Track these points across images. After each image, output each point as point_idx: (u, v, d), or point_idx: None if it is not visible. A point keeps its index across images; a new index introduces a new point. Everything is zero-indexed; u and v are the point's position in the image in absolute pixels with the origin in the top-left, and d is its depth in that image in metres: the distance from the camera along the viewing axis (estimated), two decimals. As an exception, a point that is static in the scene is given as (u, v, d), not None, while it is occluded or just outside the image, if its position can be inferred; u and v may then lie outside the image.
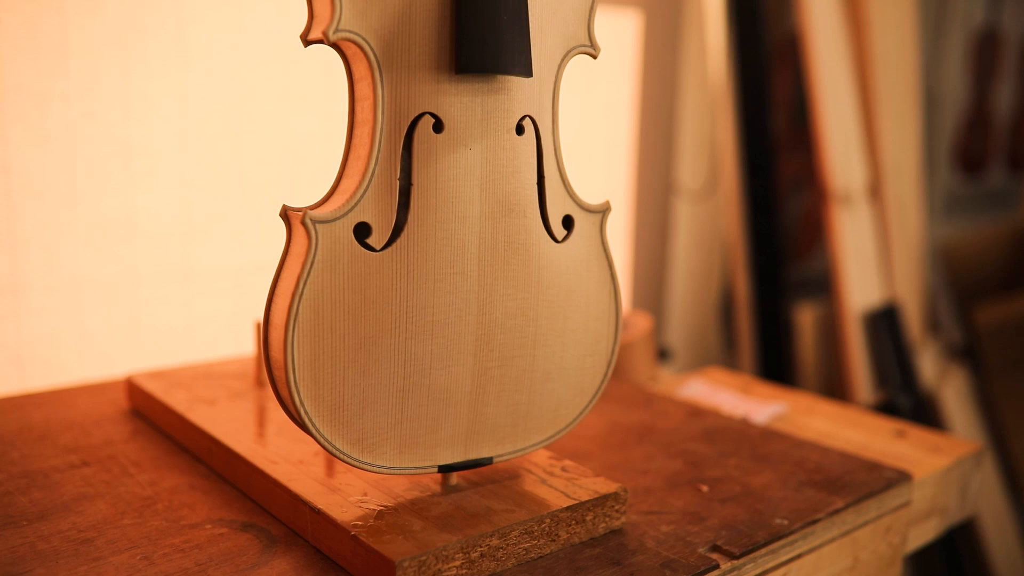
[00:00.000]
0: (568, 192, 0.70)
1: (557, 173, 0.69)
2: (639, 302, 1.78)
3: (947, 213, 2.55)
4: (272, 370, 0.63)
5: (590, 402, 0.74)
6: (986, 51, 2.59)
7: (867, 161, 1.80)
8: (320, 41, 0.61)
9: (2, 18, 1.02)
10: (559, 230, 0.69)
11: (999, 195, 2.79)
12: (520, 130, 0.66)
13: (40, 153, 1.06)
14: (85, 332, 1.12)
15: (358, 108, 0.64)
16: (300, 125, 1.23)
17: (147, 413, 0.89)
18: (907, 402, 1.67)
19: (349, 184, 0.63)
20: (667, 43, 1.70)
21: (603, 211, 0.72)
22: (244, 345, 1.22)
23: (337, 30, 0.60)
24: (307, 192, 1.23)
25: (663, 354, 1.52)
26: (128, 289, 1.15)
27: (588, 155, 1.57)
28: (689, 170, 1.79)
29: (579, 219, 0.71)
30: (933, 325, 2.26)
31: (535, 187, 0.67)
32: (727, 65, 1.66)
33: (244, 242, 1.21)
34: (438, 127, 0.63)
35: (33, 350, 1.09)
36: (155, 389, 0.89)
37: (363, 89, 0.63)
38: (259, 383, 0.93)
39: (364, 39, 0.61)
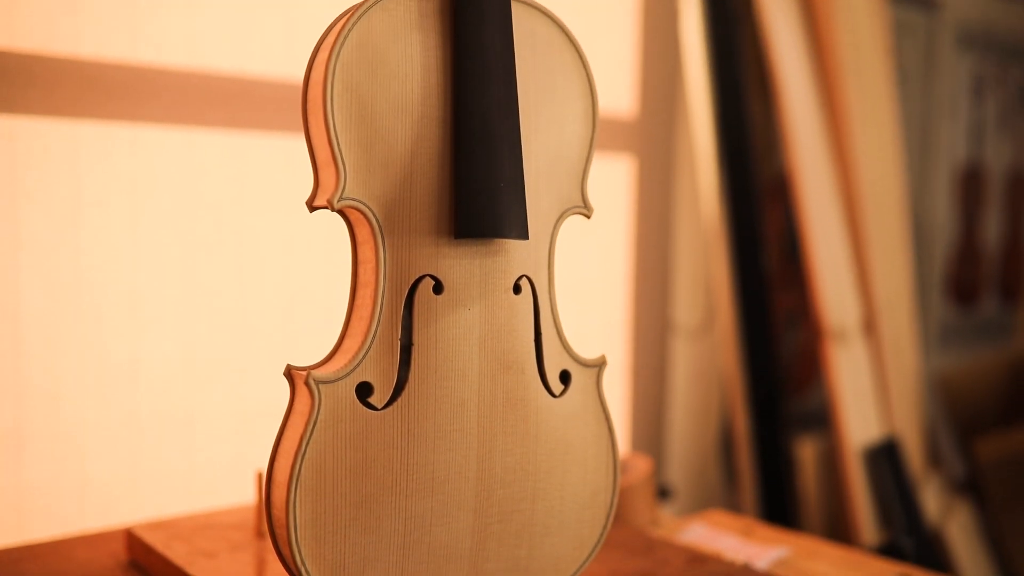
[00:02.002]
0: (565, 347, 0.72)
1: (554, 329, 0.71)
2: (638, 441, 1.78)
3: (943, 344, 2.57)
4: (274, 527, 0.64)
5: (590, 555, 0.74)
6: (971, 185, 2.66)
7: (860, 296, 1.83)
8: (325, 208, 0.64)
9: (19, 175, 1.06)
10: (556, 385, 0.71)
11: (993, 325, 2.82)
12: (517, 290, 0.68)
13: (49, 301, 1.09)
14: (86, 479, 1.13)
15: (361, 270, 0.66)
16: (303, 274, 1.26)
17: (147, 566, 0.89)
18: (912, 544, 1.66)
19: (352, 344, 0.65)
20: (660, 185, 1.75)
21: (599, 365, 0.74)
22: (245, 492, 1.22)
23: (341, 198, 0.63)
24: (310, 340, 1.25)
25: (663, 493, 1.51)
26: (130, 435, 1.15)
27: (585, 296, 1.60)
28: (685, 308, 1.82)
29: (576, 374, 0.72)
30: (934, 458, 2.25)
31: (533, 344, 0.69)
32: (719, 205, 1.71)
33: (246, 388, 1.23)
34: (438, 289, 0.65)
35: (34, 498, 1.09)
36: (155, 541, 0.89)
37: (366, 252, 0.66)
38: (259, 534, 0.93)
39: (367, 206, 0.64)
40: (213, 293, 1.19)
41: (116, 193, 1.12)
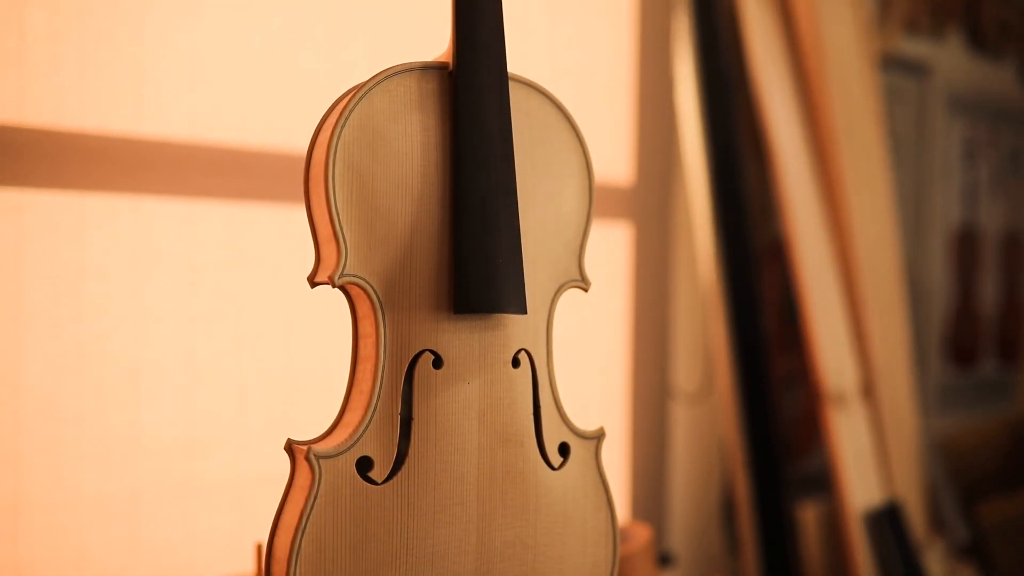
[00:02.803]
0: (563, 420, 0.72)
1: (552, 402, 0.72)
2: (639, 507, 1.77)
3: (942, 406, 2.57)
4: (273, 604, 0.64)
5: (590, 628, 0.74)
6: (966, 247, 2.68)
7: (858, 360, 1.84)
8: (326, 284, 0.65)
9: (25, 247, 1.08)
10: (555, 457, 0.71)
11: (993, 386, 2.81)
12: (516, 363, 0.69)
13: (50, 372, 1.09)
14: (84, 551, 1.12)
15: (361, 344, 0.67)
16: (303, 345, 1.27)
17: (144, 641, 0.88)
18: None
19: (352, 418, 0.66)
20: (658, 251, 1.76)
21: (598, 437, 0.74)
22: (244, 564, 1.22)
23: (343, 275, 0.64)
24: (310, 412, 1.25)
25: (664, 559, 1.50)
26: (129, 506, 1.15)
27: (583, 362, 1.61)
28: (685, 373, 1.82)
29: (575, 446, 0.73)
30: (937, 522, 2.23)
31: (532, 417, 0.70)
32: (717, 270, 1.72)
33: (246, 459, 1.23)
34: (438, 363, 0.66)
35: (32, 571, 1.08)
36: (153, 616, 0.88)
37: (366, 327, 0.67)
38: (258, 607, 0.92)
39: (368, 282, 0.65)
40: (213, 364, 1.20)
41: (119, 264, 1.14)
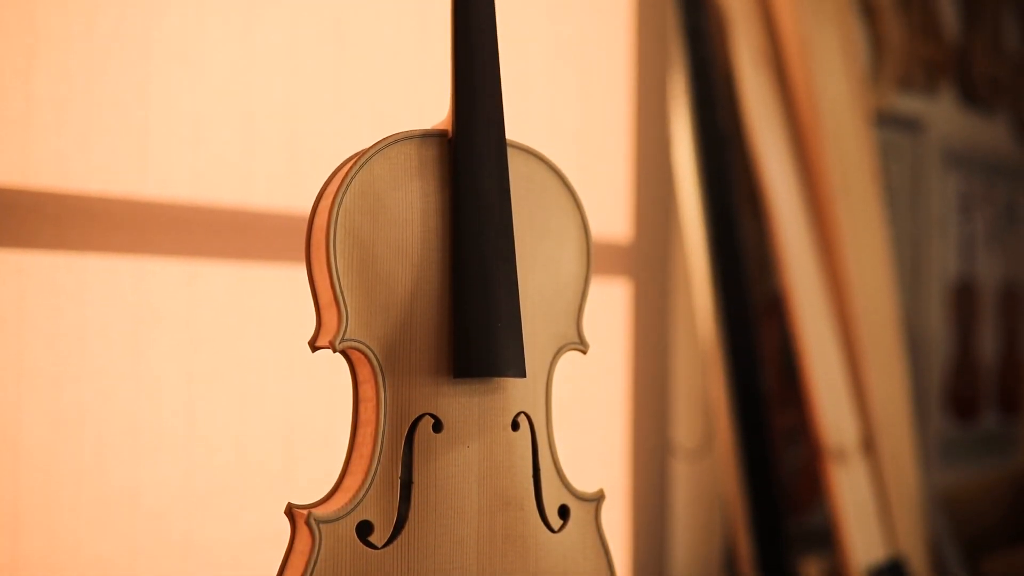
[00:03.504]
0: (563, 482, 0.72)
1: (552, 465, 0.72)
2: (640, 566, 1.76)
3: (944, 460, 2.56)
4: (272, 672, 0.63)
5: None
6: (964, 300, 2.69)
7: (858, 415, 1.83)
8: (327, 348, 0.66)
9: (26, 308, 1.08)
10: (555, 520, 0.71)
11: (995, 439, 2.81)
12: (515, 426, 0.70)
13: (50, 431, 1.09)
14: (81, 613, 1.11)
15: (362, 408, 0.67)
16: (304, 407, 1.27)
17: None
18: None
19: (352, 482, 0.66)
20: (656, 307, 1.77)
21: (598, 499, 0.74)
22: (241, 623, 1.20)
23: (343, 339, 0.65)
24: (309, 473, 1.25)
25: (667, 619, 1.48)
26: (128, 565, 1.14)
27: (583, 420, 1.61)
28: (685, 429, 1.82)
29: (575, 508, 0.73)
30: (942, 577, 2.21)
31: (531, 480, 0.70)
32: (715, 325, 1.73)
33: (245, 520, 1.22)
34: (437, 427, 0.67)
35: (27, 635, 1.08)
36: None
37: (367, 391, 0.67)
38: (256, 672, 0.92)
39: (368, 347, 0.65)
40: (213, 423, 1.20)
41: (119, 324, 1.14)
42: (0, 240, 1.07)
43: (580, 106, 1.62)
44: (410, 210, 0.66)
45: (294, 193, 1.27)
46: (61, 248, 1.11)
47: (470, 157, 0.67)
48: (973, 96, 2.57)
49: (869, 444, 1.85)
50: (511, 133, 0.78)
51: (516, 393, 0.69)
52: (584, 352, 0.75)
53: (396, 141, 0.68)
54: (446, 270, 0.67)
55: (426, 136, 0.69)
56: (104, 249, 1.14)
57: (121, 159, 1.15)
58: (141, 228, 1.16)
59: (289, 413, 1.25)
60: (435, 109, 0.90)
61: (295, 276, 1.26)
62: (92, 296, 1.13)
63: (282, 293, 1.25)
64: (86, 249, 1.12)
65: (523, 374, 0.68)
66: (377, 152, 0.67)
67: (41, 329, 1.09)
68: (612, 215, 1.70)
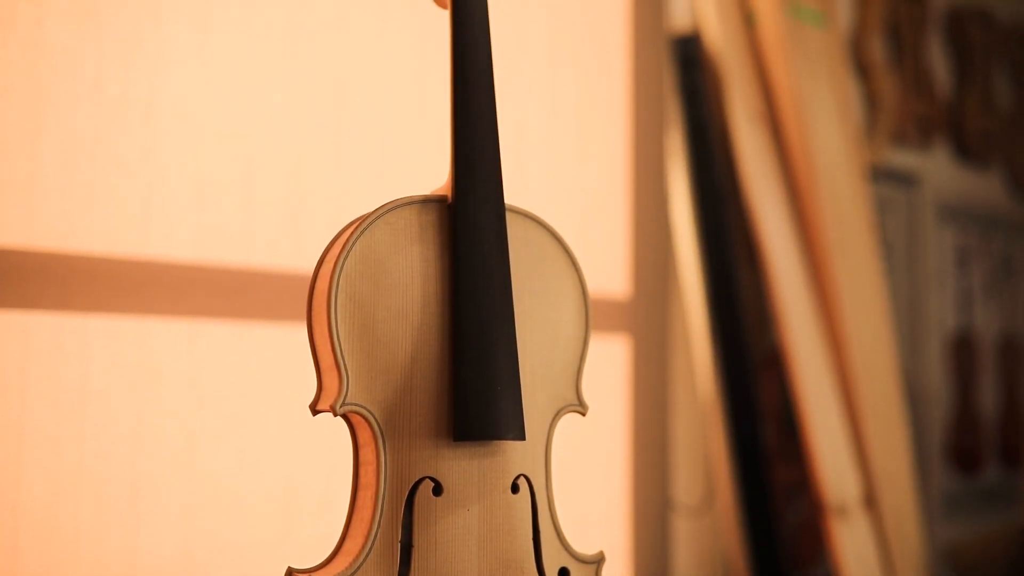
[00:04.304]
0: (563, 545, 0.72)
1: (552, 527, 0.72)
2: (642, 623, 1.74)
3: (947, 514, 2.54)
4: None
5: None
6: (963, 352, 2.69)
7: (859, 470, 1.83)
8: (328, 412, 0.66)
9: (28, 369, 1.09)
10: (555, 583, 0.71)
11: (997, 492, 2.79)
12: (515, 489, 0.70)
13: (50, 493, 1.09)
14: None
15: (362, 471, 0.68)
16: (304, 468, 1.27)
17: None
18: None
19: (352, 545, 0.66)
20: (656, 363, 1.77)
21: (598, 561, 0.74)
22: None
23: (344, 403, 0.65)
24: (309, 535, 1.24)
25: None
26: (124, 630, 1.13)
27: (583, 478, 1.60)
28: (685, 486, 1.81)
29: (575, 571, 0.73)
30: (948, 634, 2.19)
31: (531, 543, 0.70)
32: (715, 381, 1.73)
33: (245, 580, 1.21)
34: (438, 490, 0.67)
35: None
36: None
37: (367, 454, 0.67)
38: None
39: (369, 411, 0.66)
40: (213, 484, 1.20)
41: (120, 384, 1.15)
42: (4, 301, 1.08)
43: (578, 164, 1.64)
44: (410, 275, 0.67)
45: (295, 253, 1.28)
46: (64, 309, 1.12)
47: (469, 222, 0.69)
48: (967, 151, 2.61)
49: (871, 499, 1.85)
50: (510, 191, 0.79)
51: (516, 456, 0.70)
52: (583, 414, 0.75)
53: (397, 207, 0.69)
54: (446, 334, 0.68)
55: (426, 201, 0.70)
56: (107, 309, 1.14)
57: (125, 220, 1.16)
58: (144, 288, 1.17)
59: (289, 474, 1.25)
60: (434, 169, 0.92)
61: (296, 334, 1.27)
62: (94, 356, 1.13)
63: (283, 352, 1.26)
64: (89, 310, 1.13)
65: (523, 437, 0.68)
66: (378, 218, 0.68)
67: (43, 390, 1.10)
68: (611, 272, 1.71)
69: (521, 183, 1.48)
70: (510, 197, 0.78)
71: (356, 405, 0.65)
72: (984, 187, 2.73)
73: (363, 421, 0.66)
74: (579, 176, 1.64)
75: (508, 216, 0.72)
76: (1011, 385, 2.90)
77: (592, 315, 0.75)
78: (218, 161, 1.22)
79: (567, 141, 1.62)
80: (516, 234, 0.72)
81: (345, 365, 0.65)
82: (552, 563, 0.71)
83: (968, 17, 2.61)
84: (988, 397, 2.81)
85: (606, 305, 1.68)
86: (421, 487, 0.66)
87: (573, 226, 1.61)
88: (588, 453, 1.61)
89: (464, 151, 0.70)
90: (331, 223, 1.29)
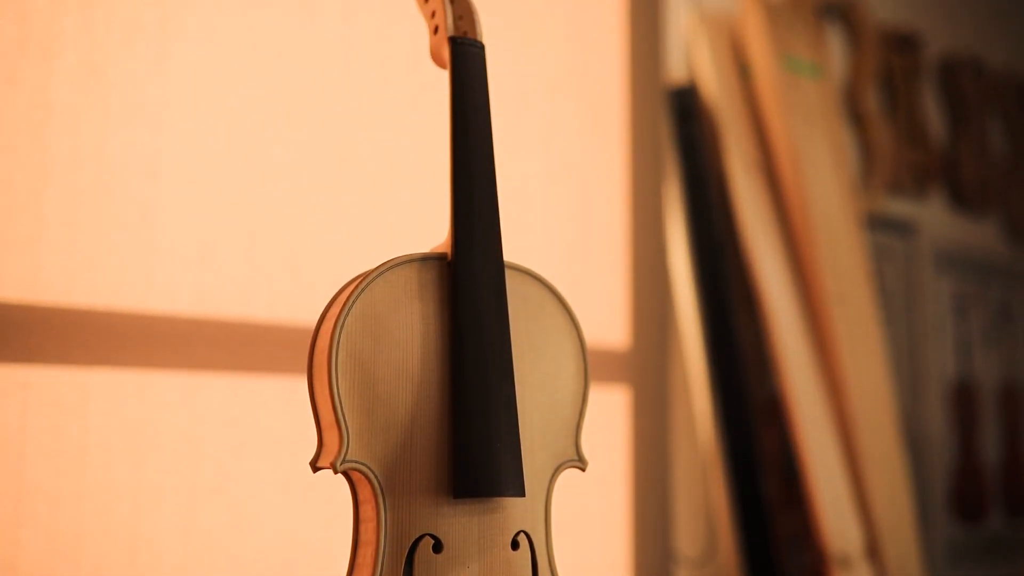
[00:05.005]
0: (564, 601, 0.72)
1: (552, 584, 0.72)
2: (645, 677, 1.72)
3: (952, 564, 2.52)
4: None
5: None
6: (964, 400, 2.69)
7: (861, 520, 1.82)
8: (328, 469, 0.67)
9: (28, 423, 1.09)
10: (556, 641, 0.71)
11: (1002, 541, 2.77)
12: (515, 545, 0.70)
13: (48, 550, 1.09)
14: None
15: (362, 529, 0.68)
16: (304, 524, 1.26)
17: None
18: None
19: (352, 604, 0.66)
20: (655, 414, 1.77)
21: (599, 618, 0.74)
22: None
23: (344, 460, 0.65)
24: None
25: None
26: None
27: (583, 531, 1.59)
28: (687, 538, 1.80)
29: (575, 628, 0.72)
30: None
31: (531, 601, 0.70)
32: (715, 431, 1.73)
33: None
34: (438, 547, 0.67)
35: None
36: None
37: (367, 511, 0.67)
38: None
39: (369, 468, 0.66)
40: (212, 539, 1.19)
41: (120, 438, 1.15)
42: (5, 355, 1.09)
43: (577, 215, 1.65)
44: (410, 332, 0.68)
45: (295, 307, 1.28)
46: (65, 363, 1.12)
47: (469, 280, 0.69)
48: (963, 199, 2.63)
49: (873, 549, 1.84)
50: (509, 242, 0.80)
51: (516, 512, 0.70)
52: (583, 470, 0.76)
53: (397, 265, 0.70)
54: (446, 391, 0.68)
55: (426, 259, 0.71)
56: (108, 363, 1.15)
57: (127, 275, 1.17)
58: (145, 342, 1.17)
59: (288, 530, 1.25)
60: (434, 224, 0.93)
61: (296, 388, 1.27)
62: (94, 410, 1.13)
63: (283, 406, 1.26)
64: (90, 364, 1.14)
65: (522, 493, 0.69)
66: (379, 275, 0.69)
67: (42, 445, 1.10)
68: (610, 322, 1.71)
69: (520, 234, 1.50)
70: (509, 248, 0.79)
71: (357, 463, 0.65)
72: (981, 235, 2.75)
73: (363, 478, 0.66)
74: (578, 227, 1.65)
75: (507, 273, 0.73)
76: (1013, 433, 2.89)
77: (591, 371, 0.75)
78: (219, 216, 1.24)
79: (566, 193, 1.63)
80: (515, 291, 0.73)
81: (346, 423, 0.65)
82: (553, 620, 0.71)
83: (960, 66, 2.64)
84: (990, 445, 2.80)
85: (605, 356, 1.69)
86: (421, 544, 0.66)
87: (572, 277, 1.62)
88: (588, 505, 1.61)
89: (463, 210, 0.71)
90: (331, 278, 1.29)
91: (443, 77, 0.83)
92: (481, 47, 0.78)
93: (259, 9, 1.29)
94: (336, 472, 0.66)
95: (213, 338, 1.22)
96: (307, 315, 1.27)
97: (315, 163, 1.32)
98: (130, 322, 1.17)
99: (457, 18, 0.79)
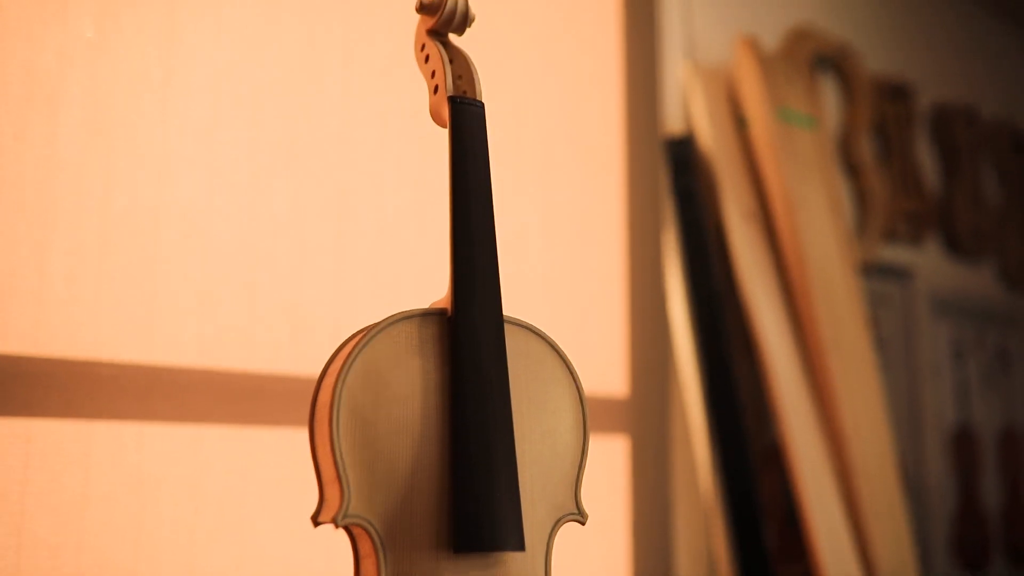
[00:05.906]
0: (564, 656, 0.72)
1: (552, 638, 0.72)
2: None
3: (954, 612, 2.50)
4: None
5: None
6: (963, 446, 2.68)
7: (863, 568, 1.81)
8: (329, 524, 0.67)
9: (30, 475, 1.09)
10: None
11: (1005, 589, 2.75)
12: (516, 600, 0.70)
13: (48, 600, 1.09)
14: None
15: (363, 584, 0.68)
16: (304, 568, 1.26)
17: None
18: None
19: (353, 660, 0.66)
20: (655, 463, 1.77)
21: (599, 673, 0.74)
22: None
23: (346, 515, 0.66)
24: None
25: None
26: None
27: None
28: (687, 585, 1.79)
29: None
30: None
31: (532, 655, 0.70)
32: (715, 479, 1.73)
33: None
34: (438, 603, 0.67)
35: None
36: None
37: (368, 566, 0.68)
38: None
39: (370, 523, 0.66)
40: (212, 589, 1.19)
41: (122, 490, 1.15)
42: (9, 408, 1.09)
43: (576, 265, 1.67)
44: (411, 388, 0.69)
45: (296, 358, 1.29)
46: (68, 416, 1.13)
47: (469, 336, 0.70)
48: (958, 246, 2.65)
49: (875, 599, 1.82)
50: (508, 294, 0.81)
51: (516, 566, 0.70)
52: (583, 523, 0.76)
53: (398, 320, 0.71)
54: (446, 446, 0.69)
55: (426, 315, 0.72)
56: (110, 416, 1.15)
57: (129, 327, 1.18)
58: (146, 394, 1.18)
59: (292, 564, 1.24)
60: (434, 277, 0.94)
61: (297, 439, 1.27)
62: (96, 462, 1.14)
63: (284, 457, 1.26)
64: (92, 416, 1.14)
65: (522, 548, 0.69)
66: (380, 331, 0.70)
67: (43, 497, 1.10)
68: (609, 372, 1.72)
69: (520, 286, 1.51)
70: (508, 300, 0.80)
71: (357, 517, 0.66)
72: (977, 281, 2.77)
73: (364, 533, 0.67)
74: (576, 277, 1.67)
75: (507, 328, 0.74)
76: (1014, 478, 2.89)
77: (590, 424, 0.76)
78: (221, 269, 1.25)
79: (564, 244, 1.65)
80: (514, 345, 0.74)
81: (347, 478, 0.66)
82: (553, 675, 0.71)
83: (953, 115, 2.67)
84: (991, 490, 2.79)
85: (604, 405, 1.69)
86: (422, 600, 0.66)
87: (571, 327, 1.63)
88: (589, 555, 1.60)
89: (463, 266, 0.72)
90: (332, 329, 1.31)
91: (444, 134, 0.84)
92: (481, 106, 0.79)
93: (261, 65, 1.31)
94: (337, 527, 0.66)
95: (214, 390, 1.23)
96: (308, 366, 1.28)
97: (316, 216, 1.34)
98: (132, 374, 1.17)
99: (456, 77, 0.81)
